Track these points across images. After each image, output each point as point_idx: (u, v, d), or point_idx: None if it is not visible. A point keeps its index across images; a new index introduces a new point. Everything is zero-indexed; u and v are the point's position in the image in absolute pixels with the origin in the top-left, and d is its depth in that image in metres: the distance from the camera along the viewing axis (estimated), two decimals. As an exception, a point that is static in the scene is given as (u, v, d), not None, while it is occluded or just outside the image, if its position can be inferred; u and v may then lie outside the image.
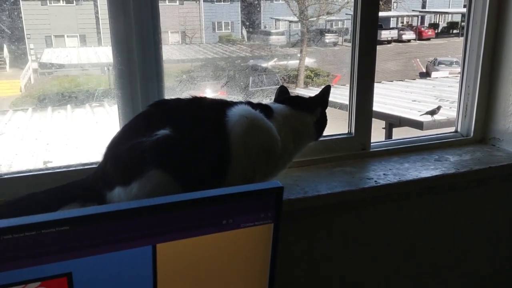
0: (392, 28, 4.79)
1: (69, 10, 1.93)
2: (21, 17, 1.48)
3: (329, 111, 1.29)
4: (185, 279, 0.78)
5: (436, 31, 5.15)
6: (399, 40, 4.80)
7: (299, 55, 2.55)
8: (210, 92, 2.09)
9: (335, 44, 2.85)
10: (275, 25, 2.61)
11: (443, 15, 5.11)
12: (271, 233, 0.83)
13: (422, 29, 5.11)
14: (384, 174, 1.40)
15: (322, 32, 2.73)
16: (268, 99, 1.58)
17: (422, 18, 5.10)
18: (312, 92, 1.64)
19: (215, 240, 0.78)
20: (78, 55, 1.96)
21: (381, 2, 1.48)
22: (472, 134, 1.72)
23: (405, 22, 5.04)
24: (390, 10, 4.50)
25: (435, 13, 5.04)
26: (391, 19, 4.74)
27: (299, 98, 1.34)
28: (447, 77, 4.62)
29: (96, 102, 1.67)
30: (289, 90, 1.31)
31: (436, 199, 1.51)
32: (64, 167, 1.23)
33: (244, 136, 1.01)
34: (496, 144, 1.69)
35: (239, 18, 2.57)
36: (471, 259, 1.64)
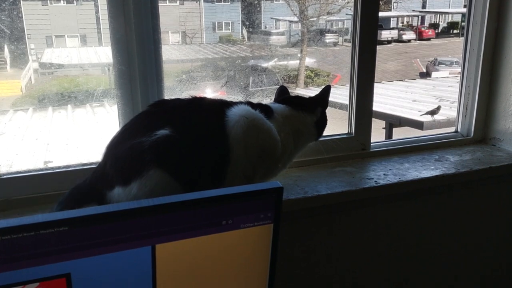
0: (393, 28, 4.79)
1: (70, 10, 1.93)
2: (22, 17, 1.48)
3: (329, 111, 1.29)
4: (185, 279, 0.78)
5: (436, 31, 5.15)
6: (399, 40, 4.80)
7: (299, 55, 2.55)
8: (210, 92, 2.09)
9: (335, 44, 2.85)
10: (276, 25, 2.61)
11: (443, 15, 5.11)
12: (271, 234, 0.83)
13: (422, 29, 5.11)
14: (384, 174, 1.40)
15: (322, 32, 2.73)
16: (268, 99, 1.58)
17: (422, 18, 5.10)
18: (312, 92, 1.64)
19: (215, 241, 0.78)
20: (78, 55, 1.96)
21: (381, 2, 1.48)
22: (472, 134, 1.72)
23: (405, 22, 5.04)
24: (390, 10, 4.50)
25: (435, 13, 5.04)
26: (391, 19, 4.74)
27: (299, 98, 1.34)
28: (447, 77, 4.62)
29: (96, 102, 1.67)
30: (289, 90, 1.31)
31: (436, 199, 1.50)
32: (65, 167, 1.23)
33: (244, 136, 1.01)
34: (496, 144, 1.69)
35: (239, 18, 2.57)
36: (471, 259, 1.64)
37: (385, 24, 4.63)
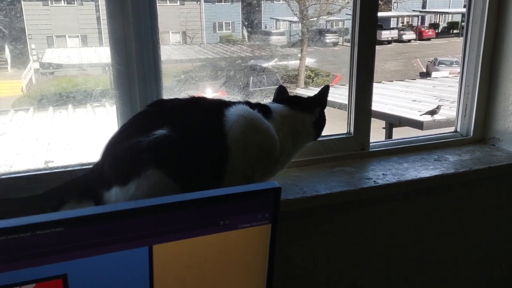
0: (393, 28, 4.79)
1: (70, 10, 1.93)
2: (22, 17, 1.49)
3: (329, 111, 1.29)
4: (182, 280, 0.78)
5: (436, 31, 5.16)
6: (399, 40, 4.80)
7: (299, 55, 2.55)
8: (210, 92, 2.09)
9: (335, 44, 2.85)
10: (276, 25, 2.61)
11: (443, 15, 5.11)
12: (269, 234, 0.83)
13: (422, 29, 5.12)
14: (383, 174, 1.40)
15: (322, 32, 2.74)
16: (268, 99, 1.58)
17: (422, 18, 5.10)
18: (312, 92, 1.64)
19: (213, 241, 0.78)
20: (79, 55, 1.97)
21: (381, 2, 1.48)
22: (471, 134, 1.72)
23: (405, 22, 5.04)
24: (390, 10, 4.50)
25: (435, 13, 5.05)
26: (392, 19, 4.74)
27: (297, 98, 1.34)
28: (447, 77, 4.62)
29: (97, 102, 1.67)
30: (290, 90, 1.31)
31: (436, 199, 1.50)
32: (65, 167, 1.23)
33: (242, 136, 1.01)
34: (495, 144, 1.69)
35: (239, 19, 2.57)
36: (470, 259, 1.64)
37: (385, 24, 4.64)
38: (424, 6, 4.90)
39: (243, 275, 0.85)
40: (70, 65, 1.95)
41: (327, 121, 1.27)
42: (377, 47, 1.49)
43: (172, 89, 1.65)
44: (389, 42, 4.67)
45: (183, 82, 1.84)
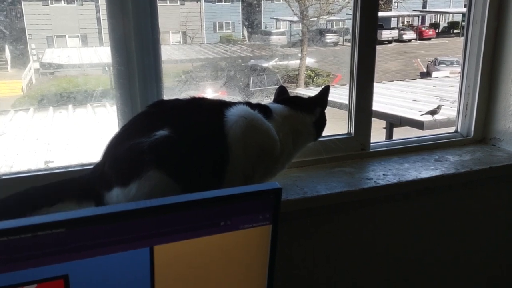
0: (393, 28, 4.79)
1: (70, 11, 1.93)
2: (22, 18, 1.49)
3: (330, 111, 1.29)
4: (183, 281, 0.78)
5: (437, 31, 5.16)
6: (399, 40, 4.80)
7: (299, 55, 2.55)
8: (211, 92, 2.09)
9: (335, 44, 2.85)
10: (276, 25, 2.61)
11: (443, 15, 5.12)
12: (270, 235, 0.83)
13: (423, 29, 5.12)
14: (383, 174, 1.40)
15: (322, 32, 2.74)
16: (268, 99, 1.58)
17: (423, 18, 5.10)
18: (312, 92, 1.64)
19: (213, 242, 0.78)
20: (79, 55, 1.97)
21: (381, 2, 1.48)
22: (472, 134, 1.71)
23: (405, 22, 5.04)
24: (390, 10, 4.51)
25: (436, 13, 5.05)
26: (392, 19, 4.74)
27: (298, 98, 1.34)
28: (447, 76, 4.62)
29: (97, 102, 1.67)
30: (290, 90, 1.31)
31: (436, 200, 1.50)
32: (66, 167, 1.23)
33: (242, 136, 1.01)
34: (496, 144, 1.69)
35: (240, 18, 2.57)
36: (470, 259, 1.64)
37: (385, 24, 4.64)
38: (424, 6, 4.91)
39: (243, 275, 0.85)
40: (70, 65, 1.95)
41: (327, 121, 1.27)
42: (378, 47, 1.49)
43: (173, 89, 1.65)
44: (389, 42, 4.67)
45: (183, 82, 1.84)
